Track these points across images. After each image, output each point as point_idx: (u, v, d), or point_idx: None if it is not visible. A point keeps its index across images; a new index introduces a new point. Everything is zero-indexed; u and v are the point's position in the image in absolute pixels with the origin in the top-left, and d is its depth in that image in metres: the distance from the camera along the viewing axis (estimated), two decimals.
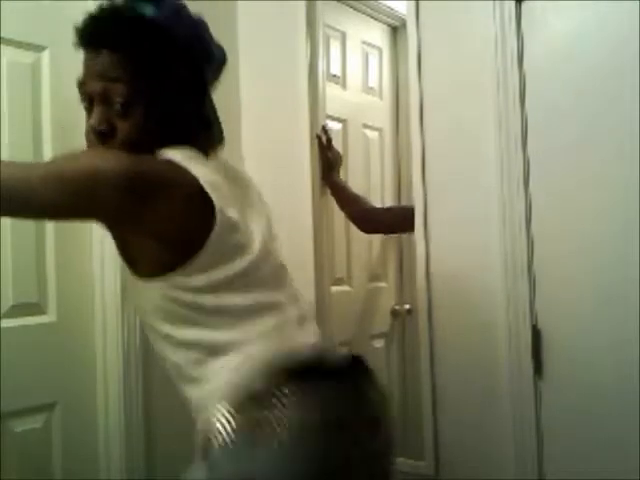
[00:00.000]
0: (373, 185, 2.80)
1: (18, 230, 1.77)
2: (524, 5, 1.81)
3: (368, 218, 2.45)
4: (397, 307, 2.86)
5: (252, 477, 1.11)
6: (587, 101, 1.72)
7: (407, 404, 2.69)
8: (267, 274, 1.27)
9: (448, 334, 1.95)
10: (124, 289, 1.88)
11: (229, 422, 1.13)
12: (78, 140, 1.88)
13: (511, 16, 1.81)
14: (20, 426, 1.75)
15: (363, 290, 2.72)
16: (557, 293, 1.77)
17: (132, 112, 1.21)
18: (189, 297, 1.19)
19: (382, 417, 1.29)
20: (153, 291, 1.21)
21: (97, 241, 1.90)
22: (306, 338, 1.27)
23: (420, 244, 1.99)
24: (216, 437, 1.13)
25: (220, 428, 1.13)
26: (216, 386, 1.18)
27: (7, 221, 1.74)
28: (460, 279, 1.93)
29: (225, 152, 1.38)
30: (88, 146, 1.25)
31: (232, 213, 1.21)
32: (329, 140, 2.30)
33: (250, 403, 1.14)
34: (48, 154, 1.82)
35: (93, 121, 1.23)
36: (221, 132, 1.34)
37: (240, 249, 1.23)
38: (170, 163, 1.19)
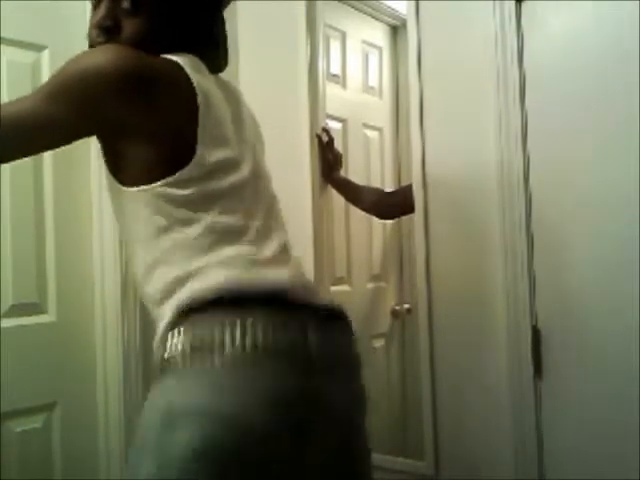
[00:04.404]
0: (373, 184, 2.80)
1: (18, 230, 1.77)
2: (524, 5, 1.81)
3: (384, 205, 2.44)
4: (397, 307, 2.86)
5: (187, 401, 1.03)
6: (587, 100, 1.72)
7: (407, 404, 2.69)
8: (255, 198, 1.23)
9: (448, 334, 1.95)
10: (124, 289, 1.88)
11: (180, 341, 1.07)
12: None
13: (511, 16, 1.81)
14: (20, 426, 1.75)
15: (363, 290, 2.71)
16: (557, 293, 1.77)
17: (141, 11, 1.17)
18: (173, 210, 1.13)
19: (346, 362, 1.19)
20: (137, 200, 1.15)
21: (97, 241, 1.91)
22: (281, 273, 1.18)
23: (420, 244, 1.99)
24: (167, 357, 1.08)
25: (172, 348, 1.08)
26: (175, 302, 1.12)
27: (7, 221, 1.74)
28: (460, 279, 1.93)
29: None
30: (90, 45, 1.20)
31: (223, 128, 1.18)
32: (331, 140, 2.30)
33: (193, 324, 1.08)
34: (47, 154, 1.82)
35: (98, 16, 1.18)
36: (226, 55, 1.31)
37: (230, 165, 1.19)
38: (169, 62, 1.15)
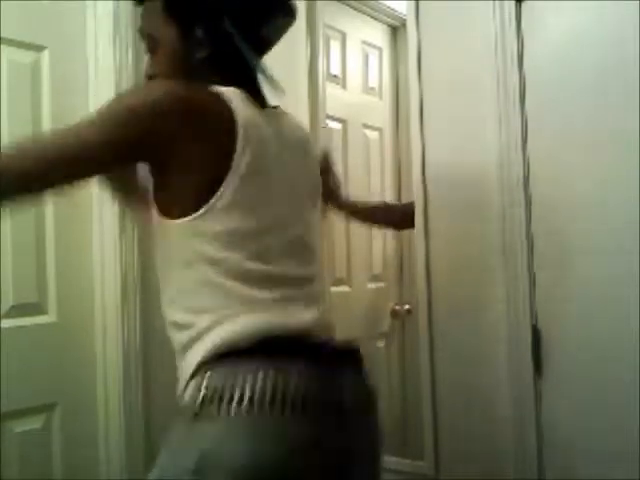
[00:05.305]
0: (373, 185, 2.80)
1: (18, 230, 1.77)
2: (524, 5, 1.81)
3: (400, 216, 2.42)
4: (397, 307, 2.86)
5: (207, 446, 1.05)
6: (587, 101, 1.72)
7: (407, 404, 2.69)
8: (288, 244, 1.22)
9: (448, 334, 1.95)
10: (124, 289, 1.88)
11: (203, 385, 1.09)
12: None
13: (511, 16, 1.81)
14: (20, 426, 1.75)
15: (363, 290, 2.72)
16: (557, 293, 1.77)
17: (157, 53, 1.25)
18: (200, 245, 1.14)
19: (363, 412, 1.20)
20: (173, 232, 1.17)
21: (97, 242, 1.91)
22: (306, 317, 1.20)
23: (420, 244, 1.99)
24: (190, 397, 1.10)
25: (201, 392, 1.09)
26: (205, 345, 1.13)
27: (7, 221, 1.74)
28: (460, 279, 1.93)
29: None
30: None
31: (264, 164, 1.17)
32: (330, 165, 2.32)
33: (227, 370, 1.09)
34: None
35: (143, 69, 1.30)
36: (274, 83, 1.27)
37: (265, 203, 1.18)
38: (215, 95, 1.15)
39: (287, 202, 1.23)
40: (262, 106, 1.22)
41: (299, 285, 1.22)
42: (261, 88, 1.25)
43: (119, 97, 1.15)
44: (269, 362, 1.08)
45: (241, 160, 1.13)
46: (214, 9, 1.22)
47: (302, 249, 1.26)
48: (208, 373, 1.10)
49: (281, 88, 1.28)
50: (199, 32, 1.22)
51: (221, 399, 1.06)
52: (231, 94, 1.16)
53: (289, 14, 1.30)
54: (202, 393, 1.08)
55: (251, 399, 1.05)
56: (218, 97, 1.15)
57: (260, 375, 1.07)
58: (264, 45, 1.30)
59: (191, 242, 1.14)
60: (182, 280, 1.17)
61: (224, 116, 1.14)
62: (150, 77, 1.27)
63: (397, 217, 2.39)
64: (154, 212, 1.20)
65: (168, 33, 1.23)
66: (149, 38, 1.27)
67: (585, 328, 1.72)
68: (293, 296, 1.20)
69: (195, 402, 1.08)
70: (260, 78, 1.26)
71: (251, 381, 1.06)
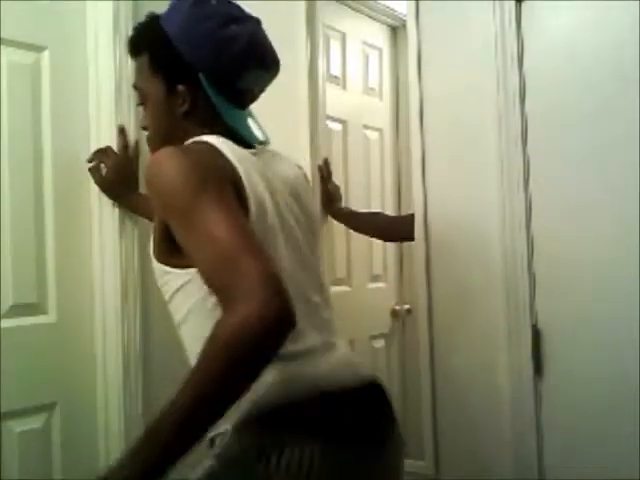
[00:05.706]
0: (373, 185, 2.80)
1: (18, 230, 1.77)
2: (524, 5, 1.82)
3: (391, 228, 2.44)
4: (397, 307, 2.86)
5: None
6: (587, 101, 1.72)
7: (407, 404, 2.69)
8: (302, 275, 1.24)
9: (448, 334, 1.95)
10: (124, 289, 1.88)
11: (234, 440, 1.12)
12: (77, 140, 1.88)
13: (511, 16, 1.82)
14: (20, 426, 1.75)
15: (363, 290, 2.72)
16: (557, 293, 1.77)
17: (146, 105, 1.33)
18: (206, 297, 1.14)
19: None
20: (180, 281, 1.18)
21: (97, 241, 1.91)
22: (329, 367, 1.22)
23: (420, 244, 2.00)
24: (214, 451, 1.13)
25: (222, 444, 1.12)
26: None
27: (7, 221, 1.74)
28: (460, 279, 1.93)
29: None
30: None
31: (264, 208, 1.18)
32: (329, 174, 2.33)
33: (258, 428, 1.11)
34: (47, 155, 1.82)
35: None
36: (253, 137, 1.30)
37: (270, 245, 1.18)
38: (211, 149, 1.17)
39: (289, 245, 1.24)
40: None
41: (319, 329, 1.24)
42: (245, 137, 1.28)
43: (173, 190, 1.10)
44: (287, 428, 1.11)
45: (250, 205, 1.15)
46: (190, 67, 1.26)
47: (315, 277, 1.30)
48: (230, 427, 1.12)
49: (265, 139, 1.32)
50: (180, 87, 1.27)
51: (232, 455, 1.11)
52: (221, 144, 1.19)
53: (270, 67, 1.34)
54: (219, 443, 1.13)
55: (260, 461, 1.09)
56: (215, 148, 1.18)
57: (277, 442, 1.10)
58: (244, 96, 1.32)
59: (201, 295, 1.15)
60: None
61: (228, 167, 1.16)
62: (144, 128, 1.35)
63: (395, 229, 2.41)
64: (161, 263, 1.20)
65: (154, 87, 1.29)
66: (139, 91, 1.33)
67: (585, 328, 1.72)
68: (313, 344, 1.21)
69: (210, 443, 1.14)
70: (247, 126, 1.30)
71: (267, 446, 1.10)
